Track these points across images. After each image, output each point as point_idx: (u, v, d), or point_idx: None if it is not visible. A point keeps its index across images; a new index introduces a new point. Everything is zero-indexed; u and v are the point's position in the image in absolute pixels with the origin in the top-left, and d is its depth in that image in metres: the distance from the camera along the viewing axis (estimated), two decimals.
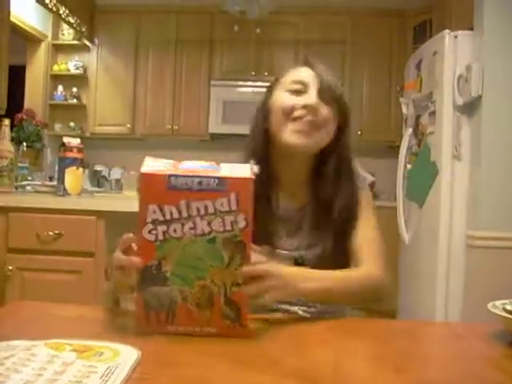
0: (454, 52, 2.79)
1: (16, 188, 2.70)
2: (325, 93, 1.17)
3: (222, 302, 0.85)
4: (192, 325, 0.86)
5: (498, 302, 0.96)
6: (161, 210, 0.83)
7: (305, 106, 1.15)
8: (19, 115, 4.53)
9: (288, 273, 0.97)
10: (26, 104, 4.82)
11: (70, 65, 5.05)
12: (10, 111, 3.65)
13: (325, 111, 1.17)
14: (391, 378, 0.73)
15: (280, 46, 4.83)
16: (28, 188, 2.84)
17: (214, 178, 0.83)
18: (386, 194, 4.41)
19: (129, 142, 5.12)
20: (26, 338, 0.78)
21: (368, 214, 1.24)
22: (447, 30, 2.85)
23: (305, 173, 1.25)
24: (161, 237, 0.83)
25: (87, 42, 4.99)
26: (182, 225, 0.83)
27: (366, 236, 1.21)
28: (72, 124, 5.07)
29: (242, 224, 0.83)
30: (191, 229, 0.83)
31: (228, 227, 0.83)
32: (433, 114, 2.96)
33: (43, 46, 4.91)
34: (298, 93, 1.17)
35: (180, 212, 0.82)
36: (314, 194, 1.24)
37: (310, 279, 1.01)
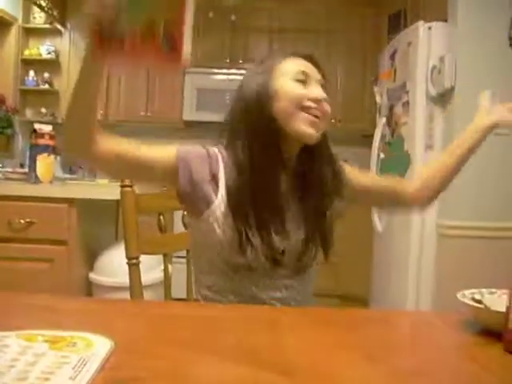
0: (427, 43, 2.82)
1: None
2: (323, 86, 1.22)
3: (161, 34, 0.89)
4: (135, 55, 0.91)
5: (467, 292, 0.98)
6: None
7: (316, 99, 1.18)
8: None
9: None
10: None
11: (42, 49, 4.95)
12: None
13: (327, 106, 1.21)
14: (365, 368, 0.74)
15: (255, 34, 4.81)
16: None
17: None
18: None
19: (102, 129, 5.04)
20: None
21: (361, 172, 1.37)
22: (421, 22, 2.87)
23: (293, 159, 1.26)
24: None
25: (59, 26, 4.89)
26: None
27: (378, 177, 1.33)
28: (44, 110, 4.98)
29: None
30: None
31: None
32: (406, 104, 2.99)
33: (13, 30, 4.80)
34: (303, 83, 1.20)
35: None
36: (299, 180, 1.25)
37: None
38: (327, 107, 1.20)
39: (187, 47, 0.89)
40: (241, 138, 1.20)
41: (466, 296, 0.97)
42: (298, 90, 1.18)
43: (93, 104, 1.08)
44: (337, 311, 1.10)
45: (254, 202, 1.17)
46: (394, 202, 1.47)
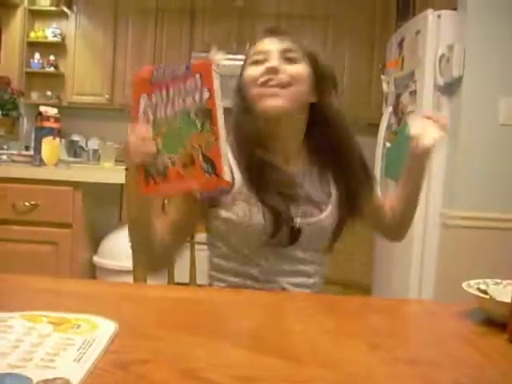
0: (436, 32, 2.79)
1: None
2: (288, 52, 1.17)
3: (200, 160, 0.99)
4: (180, 182, 1.03)
5: (472, 282, 0.98)
6: (149, 98, 1.04)
7: (266, 71, 1.16)
8: None
9: None
10: (2, 71, 4.69)
11: (48, 32, 4.93)
12: None
13: (292, 69, 1.16)
14: (366, 354, 0.74)
15: (262, 19, 4.76)
16: (4, 157, 2.80)
17: (183, 65, 1.01)
18: None
19: (107, 113, 5.04)
20: (1, 311, 0.77)
21: None
22: (430, 10, 2.84)
23: (296, 138, 1.25)
24: (151, 119, 1.05)
25: (65, 9, 4.87)
26: (166, 106, 1.03)
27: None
28: (49, 93, 4.97)
29: (206, 95, 0.99)
30: (172, 107, 1.02)
31: (197, 100, 0.99)
32: (413, 93, 2.97)
33: (19, 12, 4.77)
34: (260, 62, 1.18)
35: (162, 97, 1.03)
36: (311, 161, 1.25)
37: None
38: (290, 70, 1.16)
39: (226, 168, 0.99)
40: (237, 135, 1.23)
41: (471, 286, 0.97)
42: (250, 72, 1.19)
43: (149, 225, 1.16)
44: (340, 298, 1.10)
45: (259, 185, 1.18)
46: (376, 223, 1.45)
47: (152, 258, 1.24)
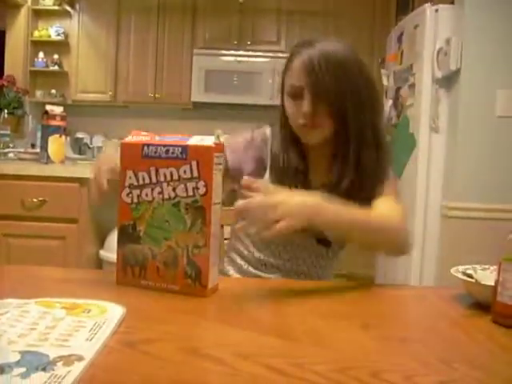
0: (434, 25, 2.83)
1: None
2: (318, 97, 1.20)
3: (184, 263, 0.92)
4: (159, 281, 0.95)
5: (461, 267, 1.03)
6: (135, 175, 0.94)
7: (303, 116, 1.22)
8: None
9: (301, 201, 0.96)
10: (7, 70, 4.75)
11: (51, 31, 4.98)
12: None
13: (319, 113, 1.21)
14: (359, 334, 0.80)
15: (263, 16, 4.81)
16: (11, 155, 2.86)
17: (179, 146, 0.91)
18: None
19: (110, 110, 5.10)
20: (17, 298, 0.83)
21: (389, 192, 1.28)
22: (428, 4, 2.88)
23: (327, 156, 1.30)
24: (136, 200, 0.95)
25: (68, 8, 4.92)
26: (152, 189, 0.93)
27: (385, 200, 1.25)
28: (53, 91, 5.02)
29: (202, 190, 0.90)
30: (159, 193, 0.93)
31: (190, 193, 0.90)
32: (412, 86, 3.01)
33: (23, 12, 4.82)
34: (294, 96, 1.23)
35: (150, 178, 0.93)
36: (336, 177, 1.27)
37: (329, 211, 1.01)
38: (318, 114, 1.21)
39: (213, 277, 0.92)
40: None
41: (459, 271, 1.02)
42: (291, 109, 1.24)
43: None
44: (336, 284, 1.15)
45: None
46: None
47: None
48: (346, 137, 1.24)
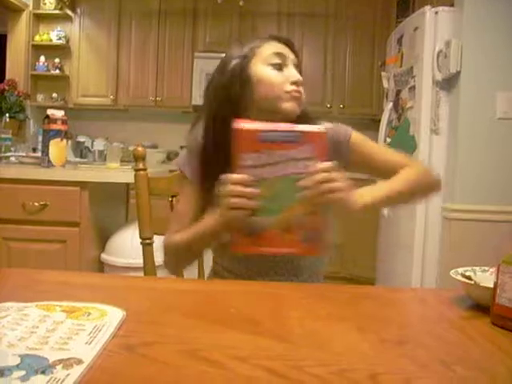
0: (434, 28, 2.84)
1: (0, 159, 2.72)
2: (298, 67, 1.30)
3: (300, 228, 1.04)
4: (277, 246, 1.06)
5: (460, 269, 1.03)
6: (257, 155, 1.03)
7: (295, 83, 1.26)
8: (0, 85, 4.49)
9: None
10: (8, 74, 4.77)
11: (52, 35, 5.00)
12: None
13: (302, 87, 1.28)
14: (355, 336, 0.80)
15: (263, 19, 4.82)
16: (12, 159, 2.86)
17: (296, 131, 1.03)
18: None
19: (112, 113, 5.11)
20: (17, 301, 0.83)
21: (367, 142, 1.37)
22: (428, 6, 2.89)
23: None
24: (255, 178, 1.04)
25: (69, 12, 4.94)
26: (271, 168, 1.03)
27: (383, 150, 1.39)
28: (55, 95, 5.04)
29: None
30: (279, 171, 1.03)
31: (308, 169, 1.02)
32: (413, 88, 3.01)
33: (24, 16, 4.85)
34: (279, 66, 1.26)
35: (271, 157, 1.03)
36: None
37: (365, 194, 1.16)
38: (302, 88, 1.28)
39: (327, 239, 1.03)
40: (204, 121, 1.33)
41: (458, 273, 1.02)
42: (278, 77, 1.26)
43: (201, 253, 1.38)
44: (334, 287, 1.15)
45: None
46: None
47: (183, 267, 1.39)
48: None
